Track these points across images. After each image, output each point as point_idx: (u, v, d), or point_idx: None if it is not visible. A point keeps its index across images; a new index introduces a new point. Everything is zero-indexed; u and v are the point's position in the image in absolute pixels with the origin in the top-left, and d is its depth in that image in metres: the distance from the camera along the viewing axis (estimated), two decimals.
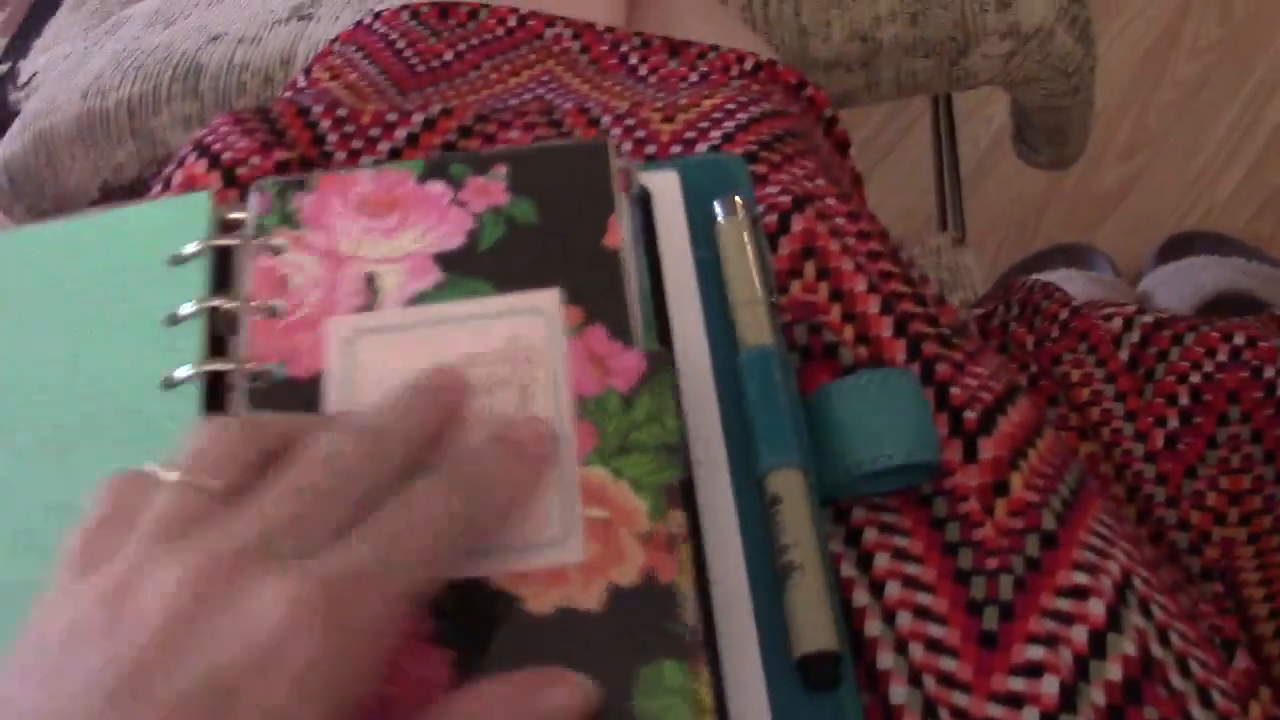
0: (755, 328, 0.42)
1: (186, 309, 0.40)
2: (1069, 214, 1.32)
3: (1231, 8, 1.41)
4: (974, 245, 0.97)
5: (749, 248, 0.44)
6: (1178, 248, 1.20)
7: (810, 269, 0.47)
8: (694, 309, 0.43)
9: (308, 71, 0.62)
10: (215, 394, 0.40)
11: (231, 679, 0.27)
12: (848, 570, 0.39)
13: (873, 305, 0.45)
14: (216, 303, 0.40)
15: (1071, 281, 1.14)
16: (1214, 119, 1.36)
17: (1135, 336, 0.56)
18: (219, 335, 0.41)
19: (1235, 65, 1.38)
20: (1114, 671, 0.37)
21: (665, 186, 0.46)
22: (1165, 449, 0.52)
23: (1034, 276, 0.65)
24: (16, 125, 0.86)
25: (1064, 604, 0.38)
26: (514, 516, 0.36)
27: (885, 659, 0.37)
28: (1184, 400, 0.54)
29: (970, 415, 0.42)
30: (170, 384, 0.39)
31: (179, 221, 0.42)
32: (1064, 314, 0.58)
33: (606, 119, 0.54)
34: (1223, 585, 0.49)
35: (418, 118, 0.54)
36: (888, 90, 0.88)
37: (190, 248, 0.41)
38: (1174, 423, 0.53)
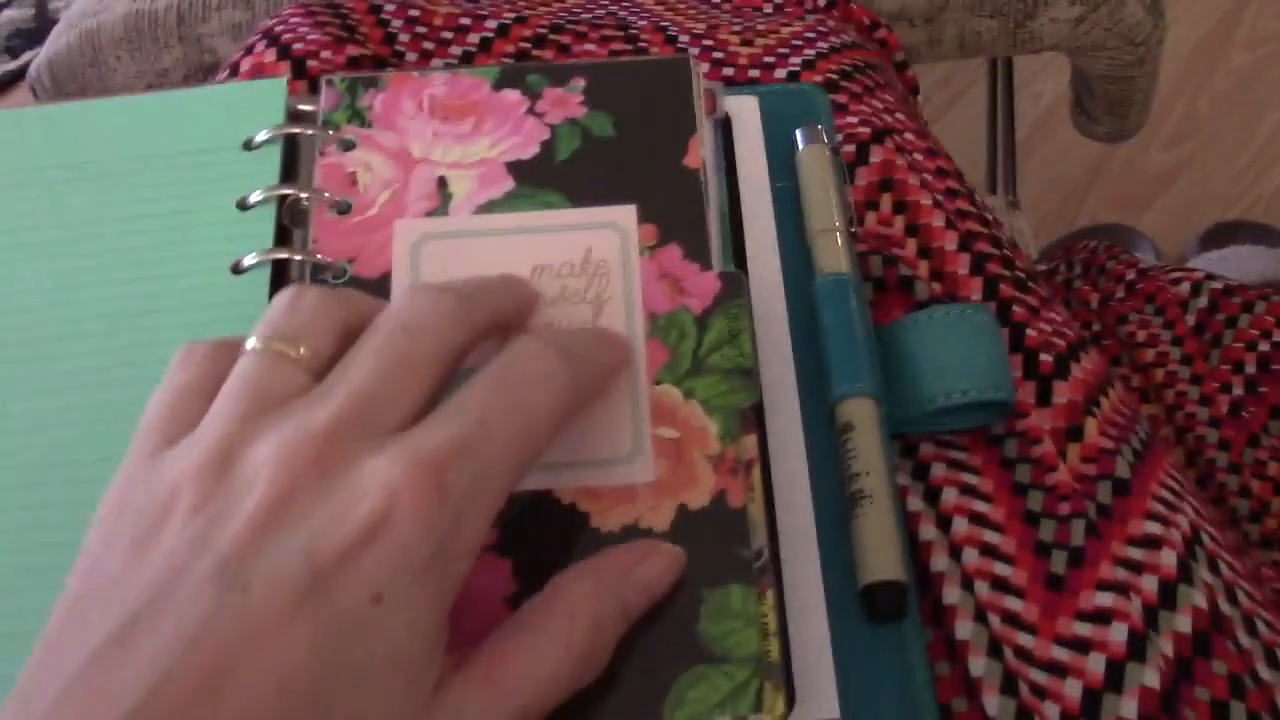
0: (833, 256, 0.41)
1: (257, 196, 0.39)
2: (1114, 195, 1.31)
3: None
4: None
5: (830, 176, 0.43)
6: (1222, 236, 1.18)
7: (887, 201, 0.46)
8: (769, 236, 0.43)
9: None
10: (280, 286, 0.39)
11: (332, 561, 0.25)
12: (915, 504, 0.38)
13: (950, 242, 0.44)
14: (288, 191, 0.39)
15: None
16: (1266, 111, 1.34)
17: (1204, 301, 0.55)
18: (284, 226, 0.40)
19: None
20: (1184, 623, 0.36)
21: (745, 112, 0.45)
22: (1229, 415, 0.51)
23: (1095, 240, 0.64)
24: (61, 24, 0.84)
25: (1135, 553, 0.38)
26: (585, 429, 0.35)
27: (951, 594, 0.36)
28: (1250, 369, 0.53)
29: (1046, 358, 0.41)
30: (238, 270, 0.38)
31: (253, 106, 0.41)
32: (1130, 274, 0.57)
33: (684, 38, 0.52)
34: None
35: (491, 23, 0.52)
36: (949, 49, 0.87)
37: (263, 134, 0.40)
38: (1239, 390, 0.52)
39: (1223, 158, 1.32)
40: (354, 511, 0.26)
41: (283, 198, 0.40)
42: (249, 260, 0.38)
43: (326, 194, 0.40)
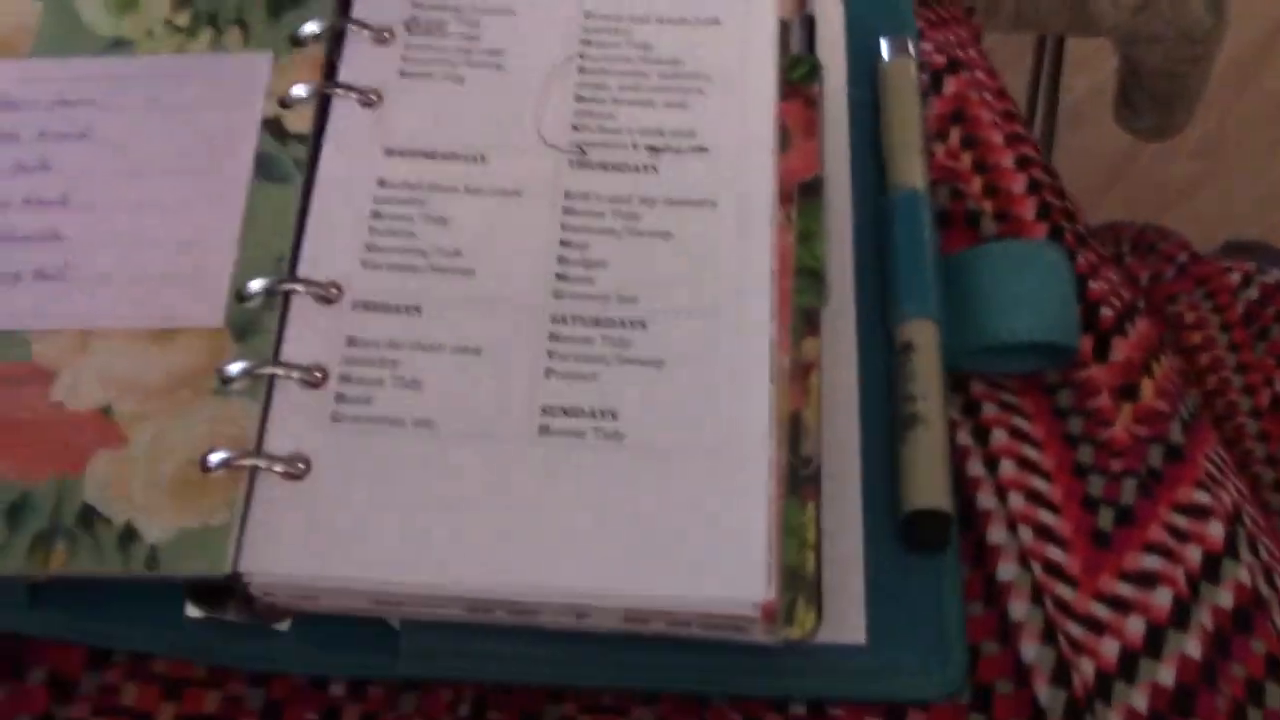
0: (909, 171, 0.39)
1: None
2: (1133, 198, 1.29)
3: None
4: None
5: (914, 91, 0.41)
6: (1236, 253, 1.17)
7: (956, 135, 0.44)
8: (842, 144, 0.40)
9: None
10: None
11: None
12: (963, 439, 0.37)
13: (1018, 184, 0.42)
14: None
15: None
16: None
17: (1254, 294, 0.53)
18: None
19: None
20: (1225, 598, 0.35)
21: (830, 13, 0.42)
22: (1270, 409, 0.49)
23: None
24: None
25: (1182, 520, 0.36)
26: None
27: (996, 534, 0.35)
28: None
29: (1107, 313, 0.39)
30: None
31: None
32: (1182, 256, 0.55)
33: None
34: None
35: None
36: (1005, 19, 0.85)
37: None
38: None
39: (1247, 178, 1.31)
40: None
41: None
42: None
43: None
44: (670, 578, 0.30)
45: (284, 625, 0.33)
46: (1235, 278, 0.54)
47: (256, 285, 0.34)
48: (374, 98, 0.37)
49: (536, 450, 0.32)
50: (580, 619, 0.31)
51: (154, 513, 0.31)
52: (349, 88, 0.37)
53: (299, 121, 0.37)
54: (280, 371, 0.33)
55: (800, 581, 0.32)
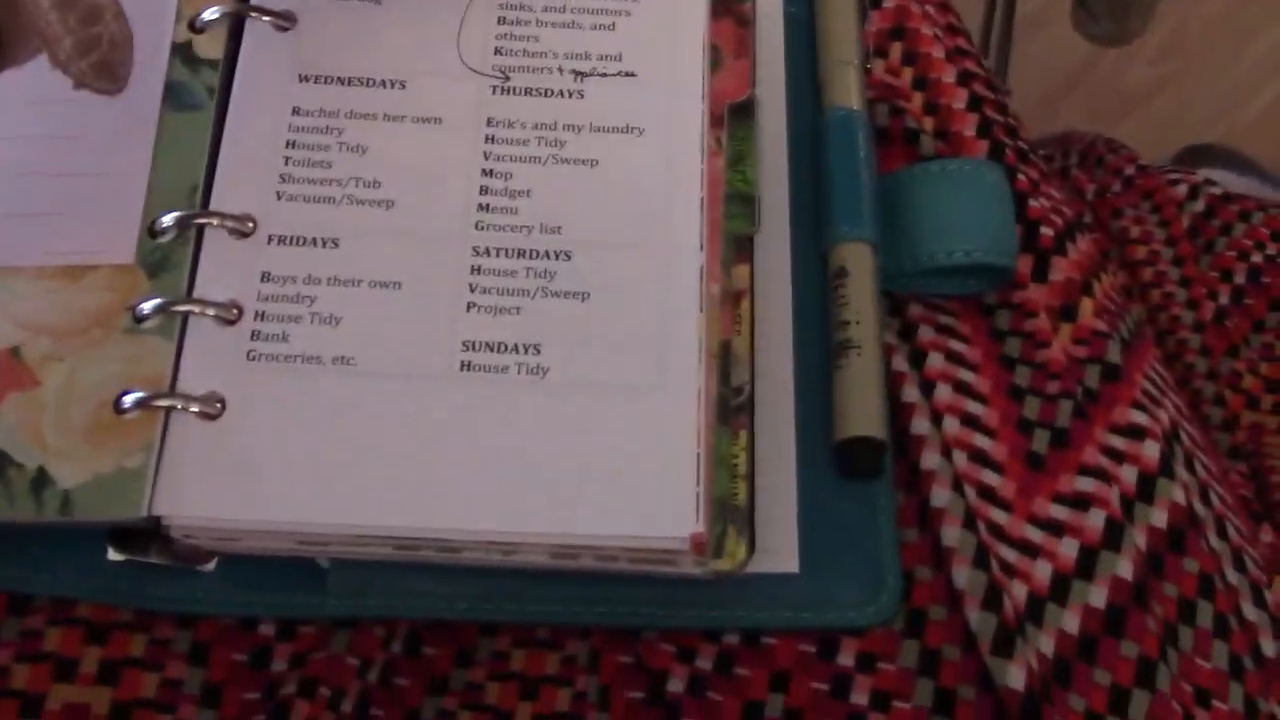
0: (845, 90, 0.38)
1: None
2: (1090, 106, 1.28)
3: None
4: None
5: (851, 6, 0.40)
6: (1194, 157, 1.16)
7: (897, 50, 0.42)
8: (777, 63, 0.39)
9: None
10: None
11: None
12: (899, 364, 0.36)
13: (958, 100, 0.41)
14: None
15: None
16: (1255, 38, 1.32)
17: (1200, 206, 0.53)
18: None
19: None
20: (1159, 517, 0.35)
21: None
22: (1213, 323, 0.49)
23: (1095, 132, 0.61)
24: None
25: (1118, 441, 0.36)
26: None
27: (931, 460, 0.34)
28: (1239, 278, 0.51)
29: (1047, 232, 0.39)
30: None
31: None
32: (1130, 170, 0.55)
33: None
34: (1247, 468, 0.47)
35: None
36: None
37: None
38: (1225, 299, 0.50)
39: (1205, 80, 1.30)
40: None
41: None
42: None
43: None
44: (597, 514, 0.30)
45: (209, 566, 0.32)
46: (1182, 190, 0.53)
47: (169, 220, 0.33)
48: (287, 22, 0.36)
49: (458, 387, 0.31)
50: (507, 555, 0.31)
51: (67, 457, 0.30)
52: (261, 10, 0.36)
53: (210, 47, 0.35)
54: (195, 309, 0.32)
55: (731, 512, 0.31)
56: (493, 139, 0.34)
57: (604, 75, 0.35)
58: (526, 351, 0.32)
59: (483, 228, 0.33)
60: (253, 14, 0.36)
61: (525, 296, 0.32)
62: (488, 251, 0.33)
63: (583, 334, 0.32)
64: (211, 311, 0.32)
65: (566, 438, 0.31)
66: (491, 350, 0.32)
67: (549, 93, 0.35)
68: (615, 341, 0.32)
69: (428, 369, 0.31)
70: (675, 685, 0.32)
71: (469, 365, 0.32)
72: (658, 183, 0.34)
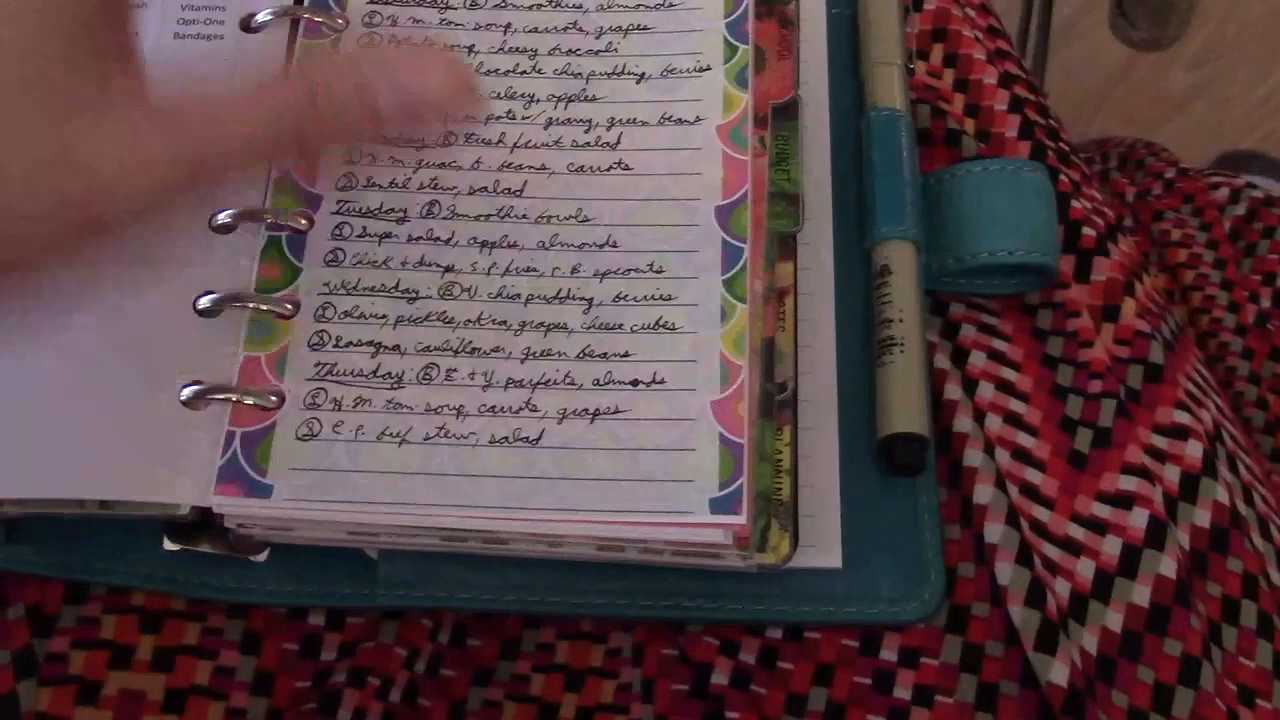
0: (888, 90, 0.38)
1: None
2: (1130, 109, 1.28)
3: None
4: None
5: (894, 5, 0.40)
6: (1232, 164, 1.16)
7: (938, 52, 0.43)
8: (820, 64, 0.40)
9: None
10: None
11: None
12: (941, 362, 0.36)
13: (1000, 101, 0.41)
14: None
15: None
16: None
17: (1241, 209, 0.53)
18: None
19: None
20: (1203, 517, 0.35)
21: None
22: (1255, 325, 0.49)
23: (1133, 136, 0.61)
24: None
25: (1161, 441, 0.36)
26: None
27: (973, 457, 0.34)
28: None
29: (1089, 233, 0.39)
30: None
31: None
32: (1170, 173, 0.55)
33: None
34: None
35: None
36: None
37: None
38: (1266, 302, 0.50)
39: (1244, 86, 1.29)
40: None
41: None
42: None
43: None
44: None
45: (261, 556, 0.33)
46: (1223, 194, 0.53)
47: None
48: None
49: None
50: (553, 548, 0.31)
51: None
52: None
53: None
54: (254, 304, 0.33)
55: (775, 507, 0.32)
56: None
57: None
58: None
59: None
60: None
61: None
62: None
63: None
64: (266, 306, 0.33)
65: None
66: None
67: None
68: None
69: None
70: (719, 678, 0.33)
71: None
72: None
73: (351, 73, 0.29)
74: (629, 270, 0.33)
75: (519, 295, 0.33)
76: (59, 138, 0.25)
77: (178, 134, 0.27)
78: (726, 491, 0.30)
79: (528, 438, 0.31)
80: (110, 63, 0.26)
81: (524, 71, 0.36)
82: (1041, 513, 0.34)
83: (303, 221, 0.33)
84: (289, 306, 0.33)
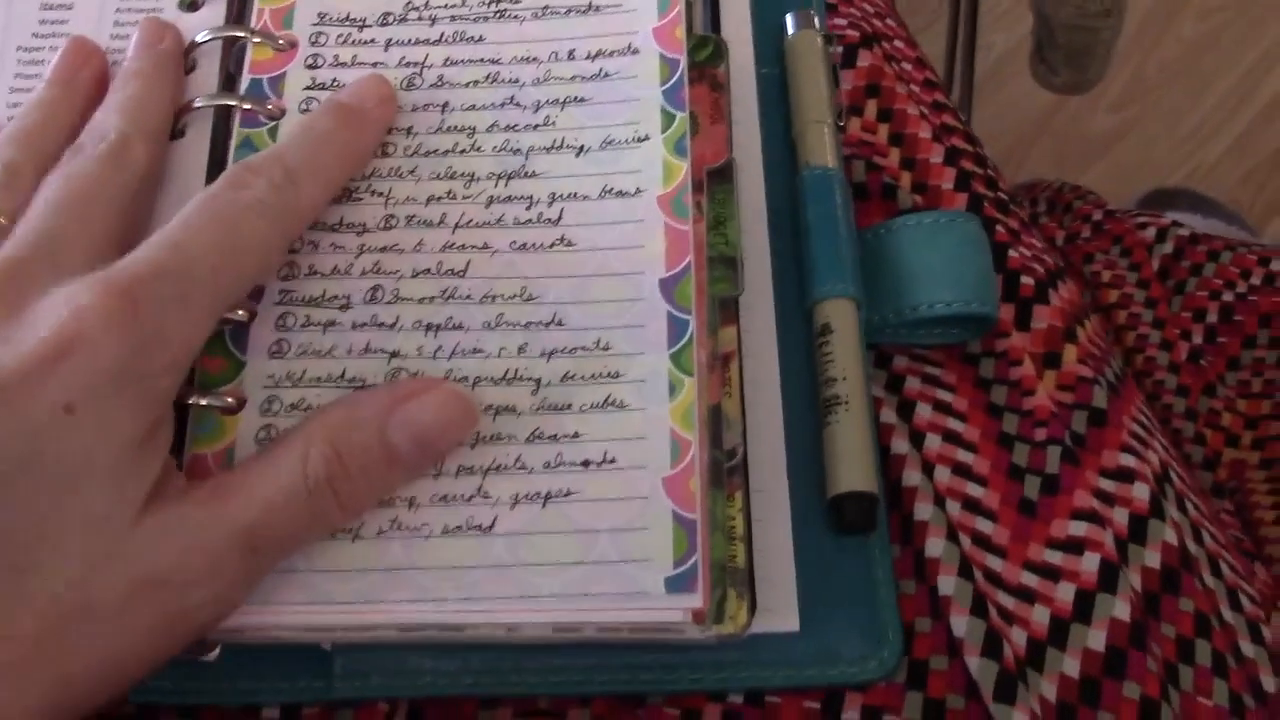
0: (820, 149, 0.39)
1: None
2: (1057, 153, 1.30)
3: None
4: None
5: (822, 64, 0.40)
6: (1159, 201, 1.18)
7: (872, 108, 0.43)
8: (752, 125, 0.40)
9: None
10: None
11: (15, 375, 0.26)
12: (888, 417, 0.36)
13: (935, 155, 0.42)
14: None
15: None
16: (1213, 82, 1.34)
17: (1168, 248, 0.54)
18: None
19: (1241, 32, 1.36)
20: (1153, 558, 0.35)
21: None
22: (1188, 362, 0.50)
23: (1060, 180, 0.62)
24: None
25: (1108, 484, 0.36)
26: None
27: (924, 510, 0.35)
28: (1212, 317, 0.52)
29: (1027, 281, 0.39)
30: None
31: None
32: (1097, 215, 0.56)
33: None
34: (1232, 505, 0.48)
35: None
36: None
37: None
38: (1198, 338, 0.51)
39: (1166, 124, 1.32)
40: (39, 330, 0.27)
41: None
42: None
43: None
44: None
45: (212, 655, 0.32)
46: (1150, 233, 0.54)
47: None
48: None
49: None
50: (511, 632, 0.31)
51: None
52: None
53: None
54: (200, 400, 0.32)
55: (731, 575, 0.32)
56: None
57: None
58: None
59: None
60: None
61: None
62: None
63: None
64: (207, 402, 0.32)
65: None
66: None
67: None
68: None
69: None
70: None
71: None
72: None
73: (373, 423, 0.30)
74: (575, 349, 0.33)
75: (466, 378, 0.32)
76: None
77: (222, 511, 0.29)
78: (681, 570, 0.30)
79: (480, 525, 0.31)
80: (156, 471, 0.29)
81: (463, 150, 0.36)
82: (995, 562, 0.34)
83: (244, 314, 0.33)
84: (231, 401, 0.32)
